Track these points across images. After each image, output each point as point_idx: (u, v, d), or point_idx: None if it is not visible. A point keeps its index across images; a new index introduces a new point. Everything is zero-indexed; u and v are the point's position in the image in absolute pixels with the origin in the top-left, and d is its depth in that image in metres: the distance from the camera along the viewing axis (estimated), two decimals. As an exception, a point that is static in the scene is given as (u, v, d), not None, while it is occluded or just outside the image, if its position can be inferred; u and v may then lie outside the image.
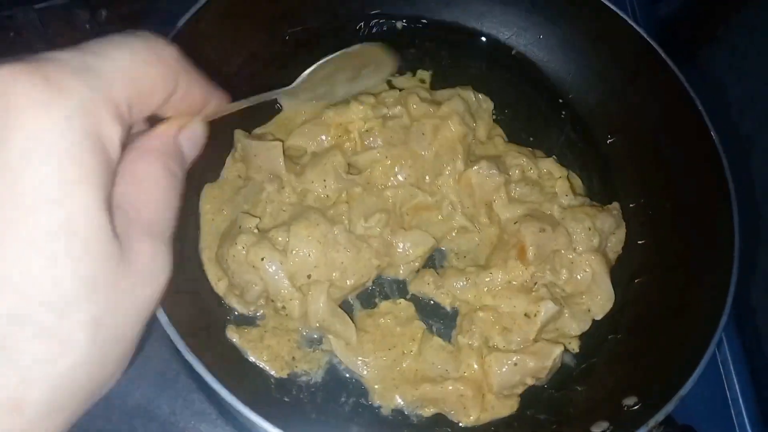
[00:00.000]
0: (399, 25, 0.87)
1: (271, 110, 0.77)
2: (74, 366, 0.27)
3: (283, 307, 0.65)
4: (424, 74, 0.84)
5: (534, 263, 0.69)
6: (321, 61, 0.55)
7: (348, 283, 0.65)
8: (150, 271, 0.30)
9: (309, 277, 0.64)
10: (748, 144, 1.12)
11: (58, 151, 0.25)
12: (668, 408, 0.57)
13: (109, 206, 0.28)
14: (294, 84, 0.54)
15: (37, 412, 0.26)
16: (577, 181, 0.80)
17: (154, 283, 0.30)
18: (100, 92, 0.28)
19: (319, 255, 0.64)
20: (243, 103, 0.44)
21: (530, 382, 0.66)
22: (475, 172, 0.72)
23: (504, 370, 0.65)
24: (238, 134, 0.73)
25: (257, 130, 0.75)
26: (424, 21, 0.88)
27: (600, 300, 0.71)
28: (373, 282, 0.70)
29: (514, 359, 0.65)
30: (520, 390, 0.66)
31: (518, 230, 0.70)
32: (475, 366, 0.66)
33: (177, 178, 0.34)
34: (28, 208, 0.25)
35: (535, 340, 0.67)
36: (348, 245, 0.65)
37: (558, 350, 0.66)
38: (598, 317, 0.71)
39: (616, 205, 0.77)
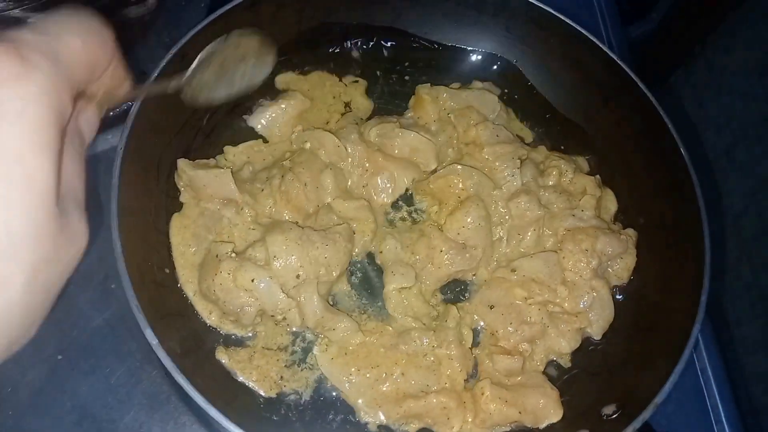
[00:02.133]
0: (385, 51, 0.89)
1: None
2: (8, 306, 0.30)
3: (284, 318, 0.66)
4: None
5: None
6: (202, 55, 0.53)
7: (334, 274, 0.68)
8: (77, 232, 0.34)
9: (298, 277, 0.65)
10: (723, 160, 1.15)
11: (28, 117, 0.29)
12: (645, 415, 0.59)
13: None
14: (185, 77, 0.51)
15: None
16: (613, 204, 0.80)
17: (78, 244, 0.34)
18: (64, 75, 0.32)
19: (301, 255, 0.65)
20: (145, 88, 0.52)
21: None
22: (515, 205, 0.75)
23: (500, 419, 0.66)
24: (183, 164, 0.70)
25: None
26: (393, 43, 0.88)
27: (601, 321, 0.72)
28: (361, 302, 0.72)
29: (513, 424, 0.66)
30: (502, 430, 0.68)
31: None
32: (455, 372, 0.67)
33: (80, 156, 0.38)
34: None
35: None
36: (324, 240, 0.67)
37: (556, 418, 0.67)
38: (597, 337, 0.73)
39: (630, 231, 0.77)
